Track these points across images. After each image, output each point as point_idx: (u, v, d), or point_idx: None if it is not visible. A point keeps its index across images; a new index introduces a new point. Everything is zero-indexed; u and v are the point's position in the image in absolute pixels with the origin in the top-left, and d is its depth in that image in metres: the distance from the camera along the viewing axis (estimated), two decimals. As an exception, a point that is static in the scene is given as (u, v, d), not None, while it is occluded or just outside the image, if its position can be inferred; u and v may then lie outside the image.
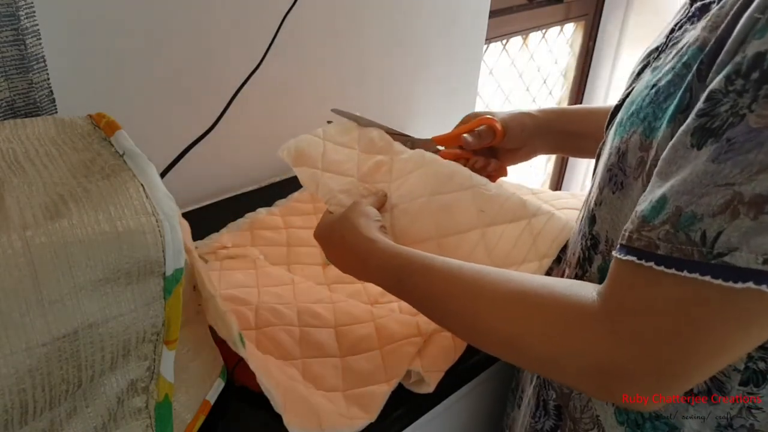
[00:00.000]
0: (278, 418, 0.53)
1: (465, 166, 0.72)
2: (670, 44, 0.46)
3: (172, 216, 0.43)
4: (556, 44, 1.76)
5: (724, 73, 0.35)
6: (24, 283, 0.37)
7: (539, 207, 0.64)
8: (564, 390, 0.57)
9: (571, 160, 2.00)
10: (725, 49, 0.36)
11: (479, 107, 1.53)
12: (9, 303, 0.36)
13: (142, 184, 0.44)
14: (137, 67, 0.80)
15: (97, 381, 0.43)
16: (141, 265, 0.41)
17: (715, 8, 0.40)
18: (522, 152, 0.74)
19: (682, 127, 0.37)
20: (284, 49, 0.93)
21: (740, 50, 0.35)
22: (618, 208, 0.46)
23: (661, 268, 0.36)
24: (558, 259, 0.62)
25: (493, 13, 1.34)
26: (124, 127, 0.50)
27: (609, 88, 1.88)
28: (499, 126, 0.71)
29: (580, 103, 1.93)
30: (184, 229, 0.46)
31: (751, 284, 0.33)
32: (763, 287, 0.33)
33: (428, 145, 0.74)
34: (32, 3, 0.53)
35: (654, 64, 0.47)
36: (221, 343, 0.55)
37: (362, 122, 0.74)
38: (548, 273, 0.64)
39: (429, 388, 0.61)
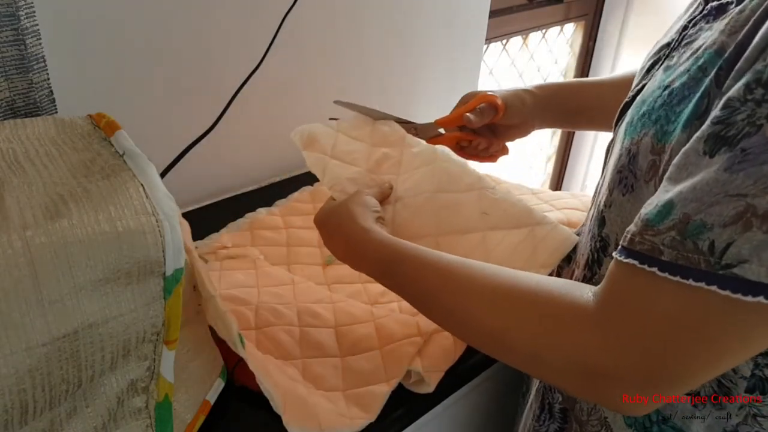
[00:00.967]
0: (278, 418, 0.53)
1: (468, 147, 0.73)
2: (684, 42, 0.45)
3: (172, 216, 0.43)
4: (556, 44, 1.76)
5: (743, 81, 0.34)
6: (24, 283, 0.37)
7: (544, 216, 0.64)
8: None
9: (571, 160, 2.00)
10: (745, 56, 0.35)
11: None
12: (9, 303, 0.36)
13: (142, 184, 0.44)
14: (137, 67, 0.80)
15: (97, 381, 0.43)
16: (141, 265, 0.41)
17: (733, 10, 0.39)
18: (520, 128, 0.75)
19: (697, 133, 0.36)
20: (284, 49, 0.93)
21: (761, 58, 0.34)
22: (628, 211, 0.46)
23: (665, 274, 0.35)
24: (568, 258, 0.61)
25: (493, 13, 1.34)
26: (124, 127, 0.50)
27: (609, 88, 1.88)
28: (500, 102, 0.71)
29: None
30: (184, 229, 0.46)
31: (762, 299, 0.32)
32: None
33: (431, 129, 0.75)
34: (32, 3, 0.53)
35: (666, 63, 0.46)
36: (221, 343, 0.55)
37: (363, 111, 0.74)
38: (558, 273, 0.64)
39: (429, 388, 0.61)
